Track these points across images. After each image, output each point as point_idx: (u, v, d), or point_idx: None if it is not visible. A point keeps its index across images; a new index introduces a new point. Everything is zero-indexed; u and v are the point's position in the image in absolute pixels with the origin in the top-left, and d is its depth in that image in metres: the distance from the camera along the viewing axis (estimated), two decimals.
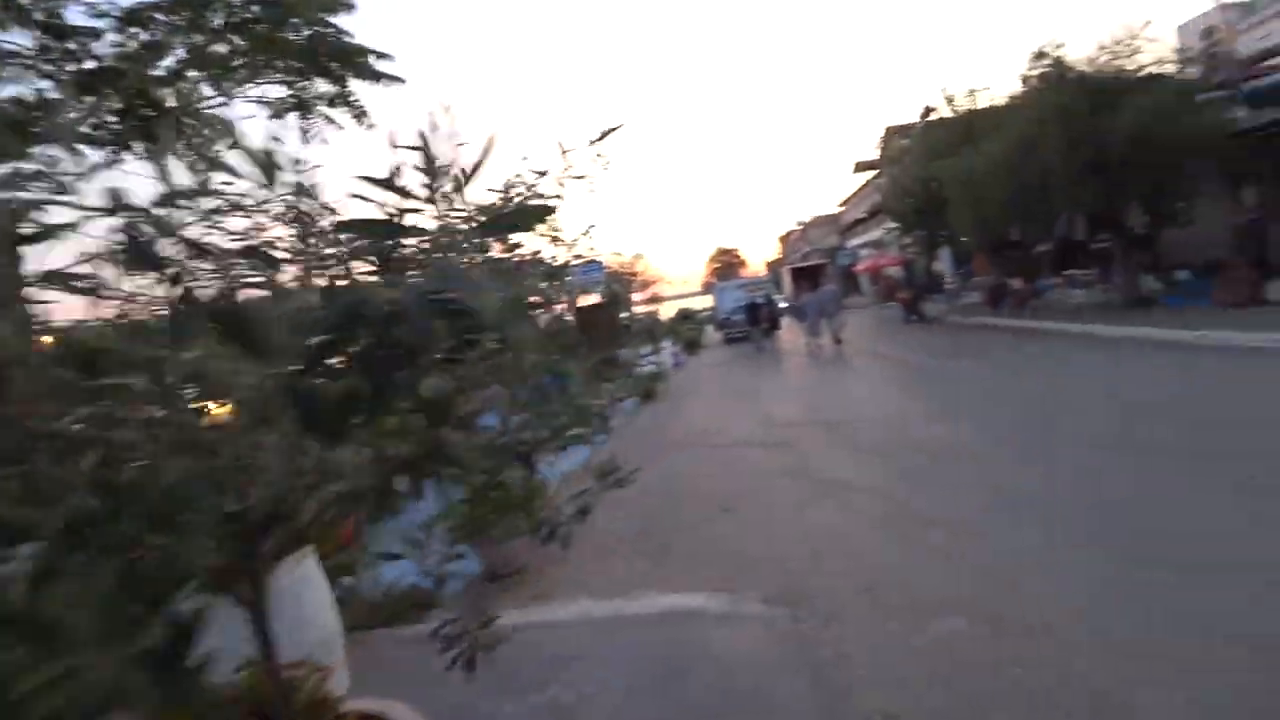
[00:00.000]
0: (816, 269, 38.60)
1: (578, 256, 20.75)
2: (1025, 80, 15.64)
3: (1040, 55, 15.08)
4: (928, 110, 24.92)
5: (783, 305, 38.21)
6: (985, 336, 15.51)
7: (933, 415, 7.93)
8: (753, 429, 8.56)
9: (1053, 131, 13.53)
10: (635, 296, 59.40)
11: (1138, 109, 12.78)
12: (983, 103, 20.87)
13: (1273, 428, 5.42)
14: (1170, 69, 14.30)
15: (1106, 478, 4.93)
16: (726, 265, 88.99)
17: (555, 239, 19.00)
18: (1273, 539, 3.56)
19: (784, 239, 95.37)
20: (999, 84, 20.97)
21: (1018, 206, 14.83)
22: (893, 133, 41.63)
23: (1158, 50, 14.20)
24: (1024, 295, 19.84)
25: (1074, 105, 13.39)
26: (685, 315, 45.60)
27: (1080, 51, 14.60)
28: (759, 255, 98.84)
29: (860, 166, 52.03)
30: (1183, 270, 15.14)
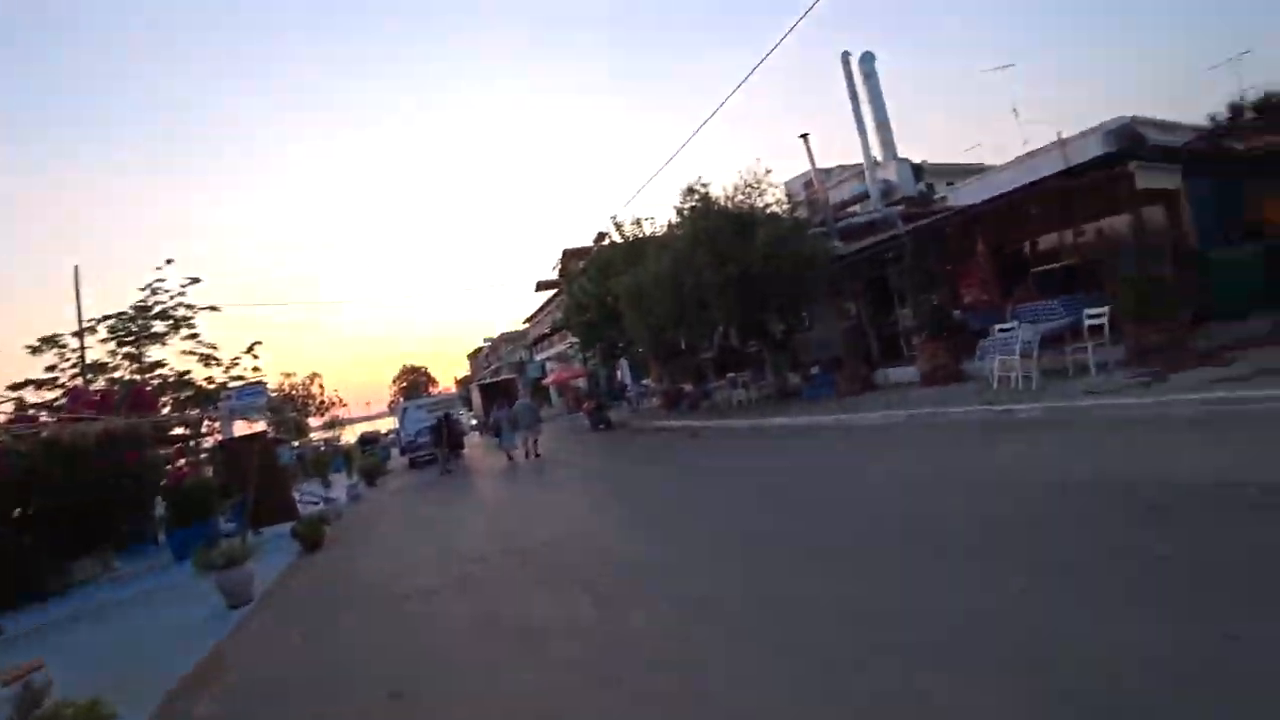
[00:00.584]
0: (506, 384, 38.54)
1: (236, 378, 17.46)
2: (679, 210, 17.60)
3: (690, 190, 17.18)
4: (600, 235, 27.10)
5: (472, 422, 37.19)
6: (667, 437, 16.30)
7: (627, 528, 7.61)
8: (437, 570, 7.34)
9: (704, 251, 15.19)
10: (311, 421, 53.29)
11: (768, 234, 15.04)
12: (647, 229, 23.26)
13: (899, 488, 6.00)
14: (784, 209, 17.24)
15: (806, 581, 4.85)
16: (414, 384, 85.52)
17: (208, 358, 15.55)
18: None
19: (473, 356, 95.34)
20: (659, 213, 23.61)
21: (680, 316, 16.21)
22: (570, 255, 44.64)
23: (776, 194, 17.02)
24: (695, 397, 21.68)
25: (719, 230, 15.24)
26: (367, 439, 41.99)
27: (719, 190, 16.93)
28: (449, 373, 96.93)
29: (541, 286, 54.60)
30: (815, 366, 17.77)
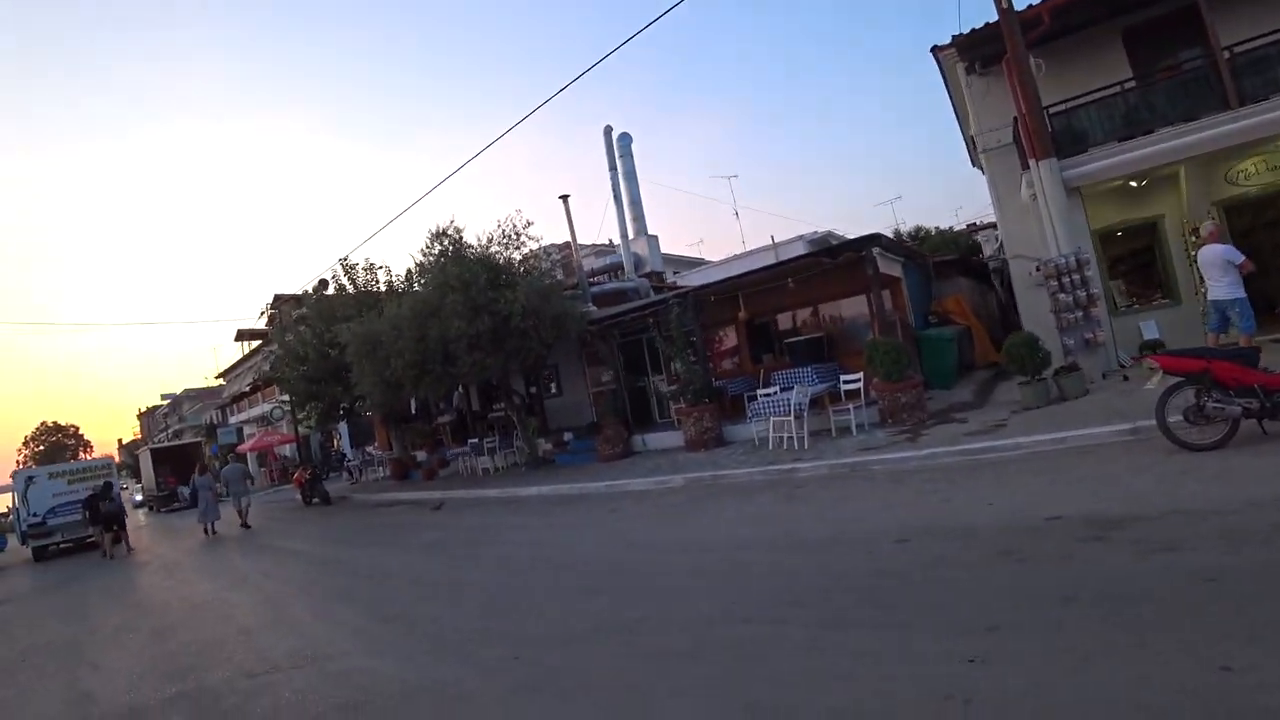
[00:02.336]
0: (189, 449, 31.91)
1: None
2: (425, 253, 15.70)
3: (440, 234, 15.44)
4: (322, 283, 23.80)
5: (137, 498, 30.60)
6: (403, 512, 13.87)
7: (377, 637, 5.53)
8: None
9: (455, 299, 13.51)
10: None
11: (529, 287, 13.86)
12: (381, 277, 20.73)
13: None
14: (543, 267, 16.26)
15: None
16: (57, 447, 68.36)
17: None
18: None
19: (145, 415, 79.16)
20: (395, 263, 21.17)
21: (423, 369, 14.19)
22: (282, 301, 39.20)
23: (535, 246, 15.96)
24: (433, 465, 19.28)
25: (473, 278, 13.69)
26: None
27: (473, 238, 15.42)
28: (111, 434, 78.88)
29: (243, 335, 47.28)
30: (567, 432, 16.68)
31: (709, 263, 31.76)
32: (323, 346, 19.50)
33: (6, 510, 40.53)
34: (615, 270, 22.81)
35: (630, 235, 22.44)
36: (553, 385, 19.71)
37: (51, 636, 8.12)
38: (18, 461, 68.52)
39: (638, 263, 22.04)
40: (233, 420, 48.01)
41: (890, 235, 21.39)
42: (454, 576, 7.29)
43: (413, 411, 22.70)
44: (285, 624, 6.47)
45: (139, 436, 71.27)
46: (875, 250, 12.23)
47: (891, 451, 8.55)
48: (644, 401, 17.09)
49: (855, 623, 3.88)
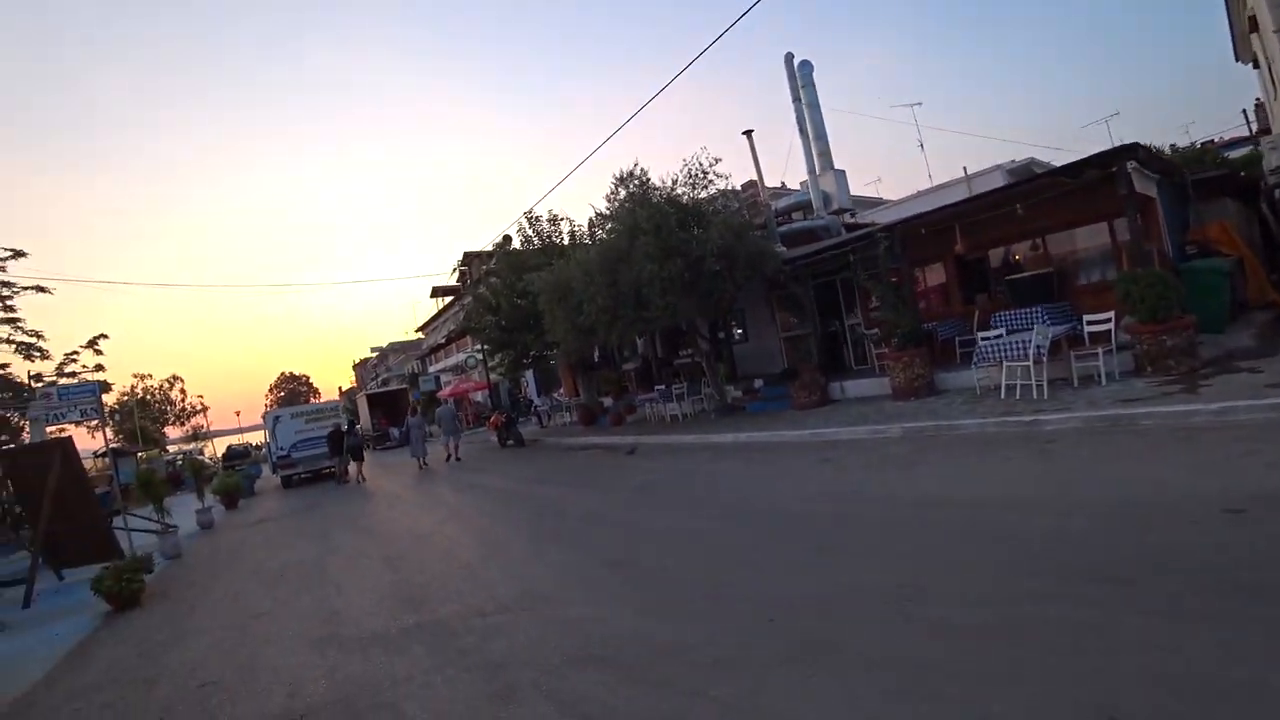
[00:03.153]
0: (397, 395, 34.99)
1: (62, 372, 13.63)
2: (611, 199, 15.50)
3: (626, 178, 15.14)
4: (506, 239, 24.70)
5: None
6: (597, 456, 14.02)
7: (602, 584, 5.31)
8: (304, 663, 4.65)
9: (647, 242, 13.18)
10: (171, 431, 46.86)
11: (723, 227, 13.23)
12: (564, 227, 21.05)
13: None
14: (731, 207, 15.51)
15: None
16: (294, 394, 78.58)
17: (30, 349, 11.29)
18: None
19: (359, 366, 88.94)
20: (577, 214, 21.41)
21: (615, 314, 14.09)
22: (472, 257, 41.65)
23: (725, 184, 15.23)
24: (620, 412, 19.51)
25: (663, 220, 13.28)
26: (235, 454, 37.06)
27: (658, 180, 14.97)
28: (333, 382, 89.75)
29: (438, 292, 51.17)
30: (758, 379, 16.06)
31: (888, 202, 29.27)
32: (512, 297, 20.23)
33: (259, 445, 47.66)
34: (801, 209, 21.50)
35: (817, 170, 20.97)
36: (738, 331, 19.12)
37: (302, 555, 8.90)
38: (265, 405, 79.95)
39: (825, 200, 20.58)
40: (431, 370, 52.34)
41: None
42: (669, 523, 6.95)
43: (596, 359, 23.18)
44: (506, 563, 6.47)
45: (355, 384, 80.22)
46: (1130, 165, 10.23)
47: (1163, 404, 7.05)
48: (838, 347, 16.02)
49: (1204, 615, 2.94)
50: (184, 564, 10.15)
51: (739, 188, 20.72)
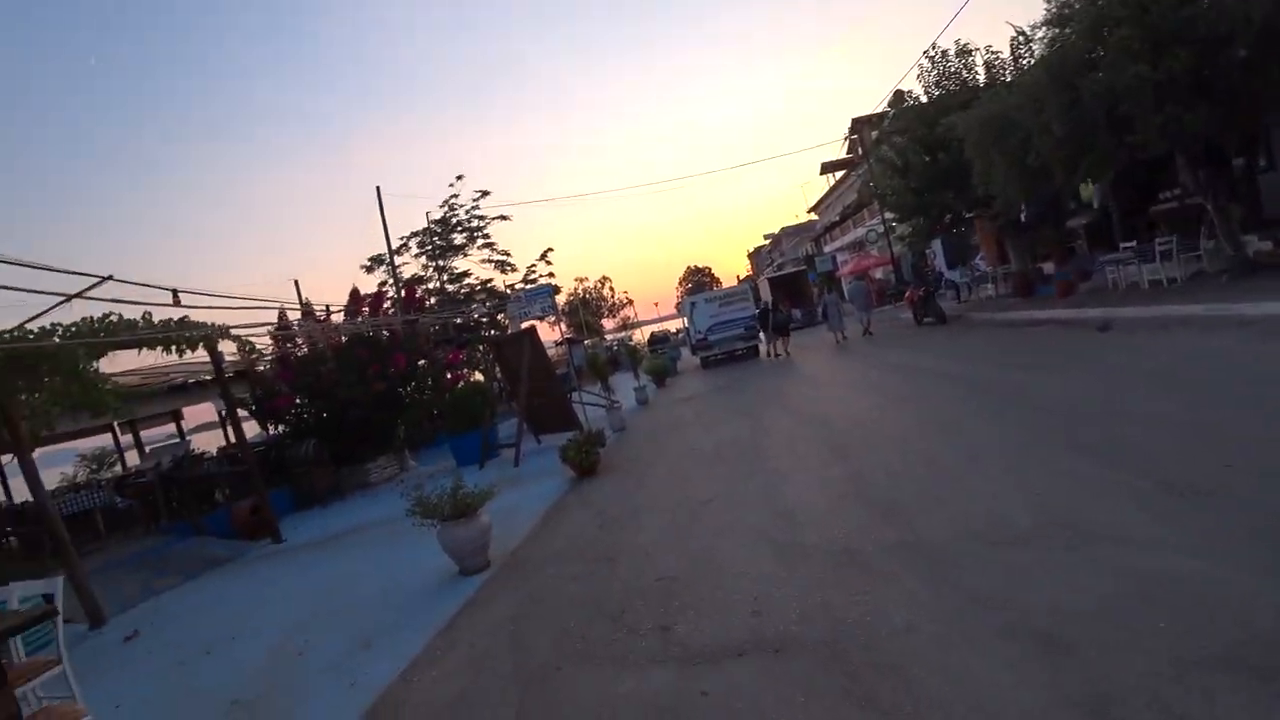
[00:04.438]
0: (796, 276, 34.70)
1: (527, 280, 16.78)
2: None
3: None
4: (898, 96, 21.41)
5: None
6: (1049, 335, 11.32)
7: (1140, 508, 3.63)
8: (765, 572, 3.98)
9: (1125, 34, 9.59)
10: (604, 323, 55.00)
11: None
12: (978, 60, 17.21)
13: None
14: None
15: None
16: (698, 284, 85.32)
17: (503, 265, 13.28)
18: None
19: (753, 255, 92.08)
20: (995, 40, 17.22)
21: (1078, 143, 10.79)
22: (860, 124, 38.31)
23: None
24: (1072, 279, 15.80)
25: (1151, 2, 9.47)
26: (657, 339, 41.34)
27: None
28: (730, 272, 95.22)
29: (827, 168, 48.84)
30: None
31: None
32: (922, 154, 17.49)
33: (676, 330, 52.78)
34: None
35: None
36: (1262, 159, 13.58)
37: (735, 433, 8.70)
38: (675, 296, 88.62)
39: None
40: (826, 249, 51.04)
41: None
42: (1231, 427, 4.71)
43: (1023, 218, 19.16)
44: (992, 468, 4.99)
45: (750, 272, 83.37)
46: None
47: None
48: None
49: None
50: (629, 436, 11.01)
51: None
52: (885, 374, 11.30)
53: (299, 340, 12.32)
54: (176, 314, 7.75)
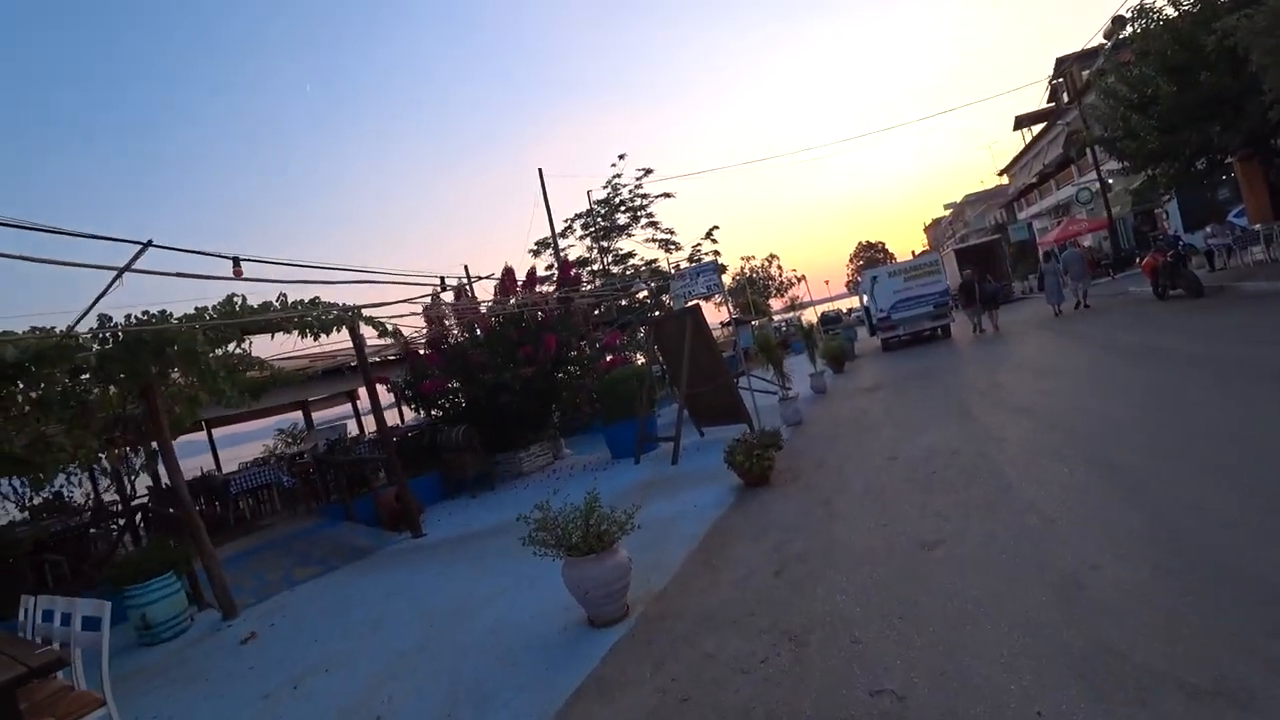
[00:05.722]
0: (990, 246, 30.66)
1: (692, 260, 15.64)
2: None
3: None
4: (1118, 20, 17.45)
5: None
6: None
7: None
8: (1057, 712, 2.31)
9: None
10: (773, 303, 52.70)
11: None
12: None
13: None
14: None
15: None
16: (871, 260, 79.95)
17: (667, 244, 7.48)
18: None
19: (931, 228, 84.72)
20: None
21: None
22: (1067, 63, 32.98)
23: None
24: None
25: None
26: (829, 319, 38.52)
27: None
28: (905, 247, 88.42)
29: (1022, 122, 43.04)
30: None
31: None
32: (1173, 80, 13.96)
33: (849, 310, 49.27)
34: None
35: None
36: None
37: (949, 440, 6.79)
38: (847, 275, 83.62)
39: None
40: (1021, 216, 45.28)
41: None
42: None
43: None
44: None
45: (928, 247, 76.64)
46: None
47: None
48: None
49: None
50: (806, 434, 9.30)
51: None
52: (1130, 362, 8.65)
53: (448, 322, 11.83)
54: (307, 294, 7.25)
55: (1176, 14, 14.14)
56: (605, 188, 25.50)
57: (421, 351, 12.01)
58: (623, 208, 25.72)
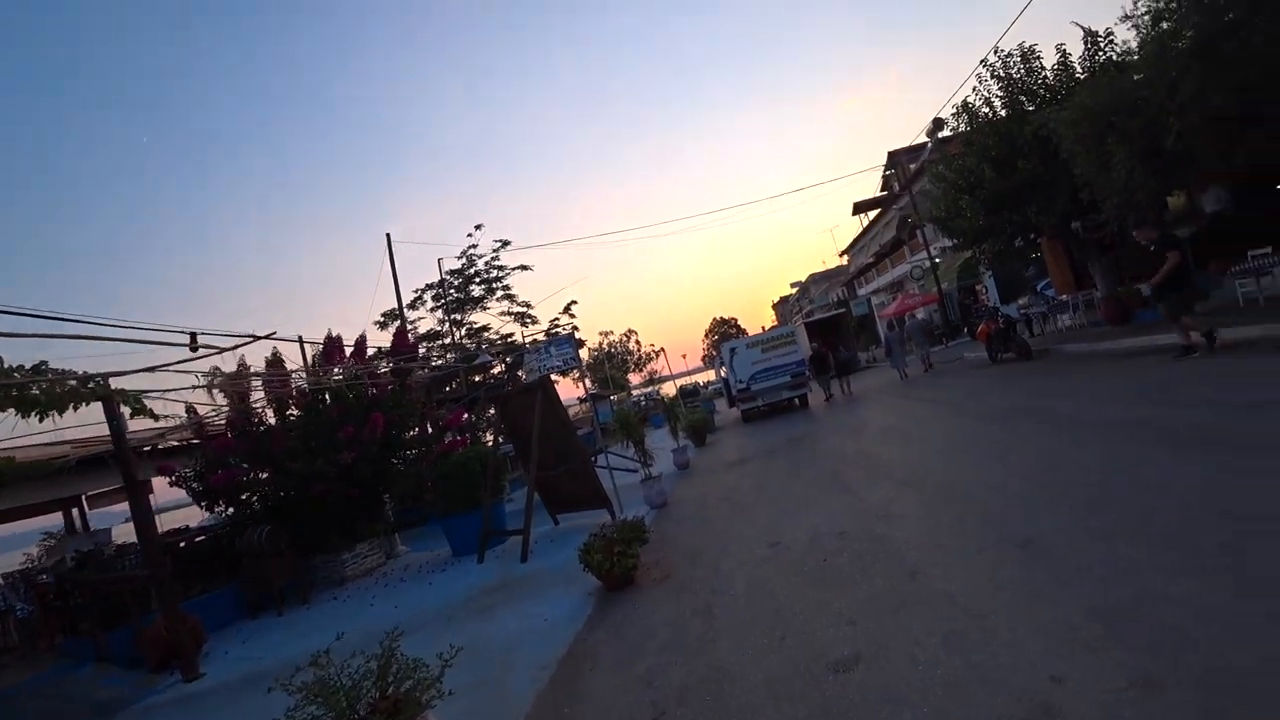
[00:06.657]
0: (837, 319, 32.34)
1: (549, 335, 14.64)
2: None
3: None
4: (937, 124, 19.39)
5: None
6: (1194, 370, 8.72)
7: None
8: None
9: None
10: (631, 377, 52.51)
11: None
12: (1049, 62, 15.05)
13: None
14: None
15: None
16: (724, 335, 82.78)
17: (524, 317, 8.08)
18: None
19: (778, 305, 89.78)
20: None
21: (1237, 115, 8.40)
22: (897, 157, 36.37)
23: None
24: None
25: None
26: (687, 392, 38.68)
27: None
28: (755, 324, 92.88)
29: (860, 208, 46.95)
30: None
31: None
32: (995, 166, 15.18)
33: (706, 383, 50.16)
34: None
35: None
36: None
37: (833, 520, 6.11)
38: (702, 350, 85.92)
39: None
40: (861, 293, 48.64)
41: None
42: None
43: (1107, 237, 16.66)
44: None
45: (776, 323, 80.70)
46: None
47: None
48: None
49: None
50: (673, 517, 8.38)
51: None
52: (995, 425, 8.58)
53: (253, 397, 10.01)
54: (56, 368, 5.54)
55: (993, 115, 15.51)
56: (460, 258, 24.51)
57: (213, 435, 10.02)
58: (478, 279, 24.73)
